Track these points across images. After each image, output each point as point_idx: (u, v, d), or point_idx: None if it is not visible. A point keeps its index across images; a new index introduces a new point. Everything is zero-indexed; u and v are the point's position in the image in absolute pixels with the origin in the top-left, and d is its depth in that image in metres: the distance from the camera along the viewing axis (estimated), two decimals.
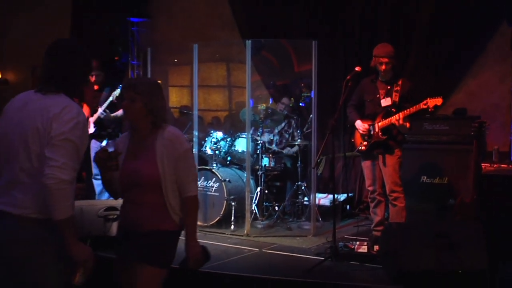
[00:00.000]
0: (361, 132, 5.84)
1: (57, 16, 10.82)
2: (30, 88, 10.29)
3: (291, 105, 7.68)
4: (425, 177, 6.13)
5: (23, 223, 2.81)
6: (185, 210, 3.37)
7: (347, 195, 7.66)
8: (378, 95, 5.82)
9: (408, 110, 5.51)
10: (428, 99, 5.41)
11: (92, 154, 5.57)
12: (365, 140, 5.84)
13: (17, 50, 12.07)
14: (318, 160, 6.51)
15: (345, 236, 6.47)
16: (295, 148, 7.41)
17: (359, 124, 5.86)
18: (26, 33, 11.67)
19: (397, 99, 5.69)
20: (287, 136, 7.60)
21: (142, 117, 3.33)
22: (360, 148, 5.91)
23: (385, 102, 5.76)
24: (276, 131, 7.61)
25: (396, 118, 5.57)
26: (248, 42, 6.92)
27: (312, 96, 7.00)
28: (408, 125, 5.58)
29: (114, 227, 5.37)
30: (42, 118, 2.83)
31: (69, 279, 2.98)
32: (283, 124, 7.64)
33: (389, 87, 5.76)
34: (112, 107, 7.77)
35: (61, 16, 10.67)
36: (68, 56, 3.05)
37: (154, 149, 3.35)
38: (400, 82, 5.72)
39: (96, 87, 7.75)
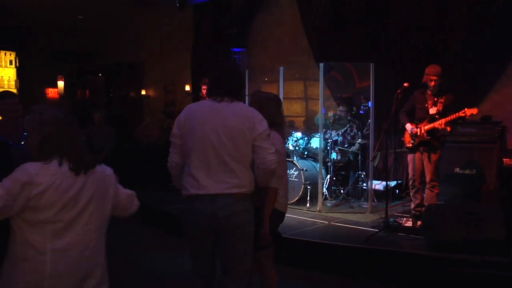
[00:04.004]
0: (412, 132, 5.77)
1: (181, 49, 11.22)
2: (164, 100, 10.79)
3: (353, 112, 7.66)
4: (458, 168, 5.97)
5: (238, 198, 2.93)
6: None
7: (397, 182, 7.55)
8: (426, 104, 5.72)
9: (449, 117, 5.40)
10: (466, 109, 5.28)
11: None
12: (412, 139, 5.76)
13: (154, 75, 12.64)
14: (375, 155, 6.47)
15: (395, 214, 6.39)
16: (357, 146, 7.40)
17: (408, 126, 5.79)
18: (158, 62, 12.19)
19: (441, 109, 5.58)
20: (349, 137, 7.58)
21: None
22: (408, 145, 5.85)
23: (432, 110, 5.66)
24: (341, 132, 7.60)
25: (439, 123, 5.47)
26: (321, 65, 6.95)
27: (370, 105, 6.98)
28: (449, 129, 5.44)
29: None
30: (244, 121, 2.93)
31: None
32: (347, 127, 7.62)
33: (435, 99, 5.66)
34: None
35: (184, 49, 11.06)
36: (238, 74, 3.18)
37: None
38: (444, 96, 5.62)
39: (207, 98, 7.95)
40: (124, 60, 13.17)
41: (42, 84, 13.21)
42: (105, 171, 2.45)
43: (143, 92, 13.08)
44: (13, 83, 12.09)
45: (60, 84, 13.42)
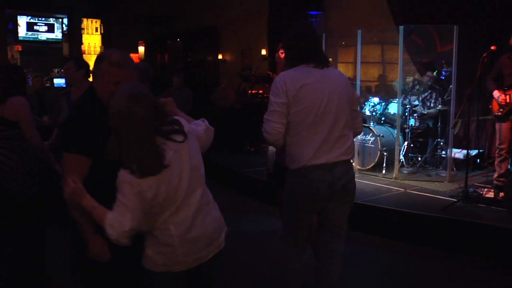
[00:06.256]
0: (499, 100, 5.43)
1: (258, 13, 11.14)
2: (240, 65, 10.85)
3: (434, 76, 7.32)
4: None
5: (350, 165, 2.97)
6: None
7: (478, 151, 7.20)
8: None
9: None
10: None
11: None
12: (501, 107, 5.43)
13: (230, 38, 12.69)
14: (455, 122, 6.18)
15: (475, 184, 6.09)
16: (433, 111, 7.09)
17: (496, 93, 5.46)
18: (235, 27, 12.19)
19: None
20: (428, 103, 7.26)
21: None
22: (497, 113, 5.52)
23: None
24: (421, 98, 7.30)
25: None
26: (401, 28, 6.66)
27: (452, 70, 6.63)
28: None
29: None
30: (348, 87, 2.96)
31: None
32: (426, 93, 7.31)
33: None
34: None
35: (261, 13, 10.98)
36: (319, 39, 3.15)
37: None
38: None
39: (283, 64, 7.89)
40: (202, 25, 13.30)
41: (124, 49, 13.64)
42: (189, 129, 2.26)
43: (220, 56, 13.19)
44: (98, 49, 12.64)
45: (141, 49, 13.85)
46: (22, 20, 11.43)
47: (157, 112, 2.11)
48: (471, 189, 5.59)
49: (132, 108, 2.03)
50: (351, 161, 3.02)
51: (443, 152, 6.97)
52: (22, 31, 11.45)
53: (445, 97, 7.09)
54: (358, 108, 3.02)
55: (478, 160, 7.17)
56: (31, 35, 11.59)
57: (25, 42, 11.67)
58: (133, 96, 2.05)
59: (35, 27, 11.65)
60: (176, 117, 2.27)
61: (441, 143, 6.97)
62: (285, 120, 2.81)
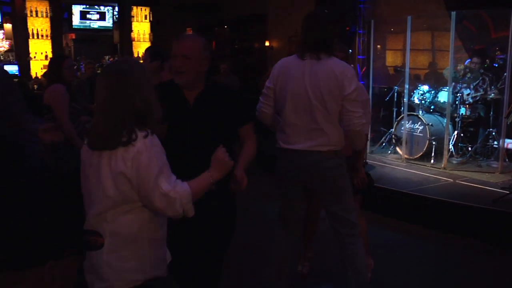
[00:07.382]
0: None
1: (304, 0, 10.99)
2: (287, 51, 10.74)
3: (486, 65, 7.03)
4: None
5: (328, 156, 2.96)
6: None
7: None
8: None
9: None
10: None
11: None
12: None
13: (278, 25, 12.62)
14: (509, 111, 5.93)
15: None
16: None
17: None
18: (282, 13, 12.10)
19: None
20: (481, 90, 6.99)
21: None
22: None
23: None
24: (472, 86, 7.04)
25: None
26: (453, 13, 6.43)
27: (507, 57, 6.34)
28: None
29: None
30: (333, 80, 2.85)
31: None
32: (478, 81, 7.04)
33: None
34: None
35: (307, 1, 10.82)
36: (329, 25, 2.95)
37: None
38: None
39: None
40: (249, 12, 13.27)
41: (173, 36, 13.79)
42: (137, 148, 1.83)
43: (267, 43, 13.14)
44: (147, 36, 12.85)
45: None
46: (76, 9, 11.74)
47: (139, 97, 1.87)
48: None
49: (105, 79, 1.91)
50: (334, 151, 2.97)
51: (495, 142, 6.72)
52: (76, 20, 11.76)
53: (498, 85, 6.81)
54: (353, 106, 2.87)
55: None
56: (84, 23, 11.90)
57: (79, 30, 11.99)
58: (107, 70, 2.00)
59: (88, 16, 11.94)
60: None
61: (493, 133, 6.72)
62: (272, 102, 3.06)
